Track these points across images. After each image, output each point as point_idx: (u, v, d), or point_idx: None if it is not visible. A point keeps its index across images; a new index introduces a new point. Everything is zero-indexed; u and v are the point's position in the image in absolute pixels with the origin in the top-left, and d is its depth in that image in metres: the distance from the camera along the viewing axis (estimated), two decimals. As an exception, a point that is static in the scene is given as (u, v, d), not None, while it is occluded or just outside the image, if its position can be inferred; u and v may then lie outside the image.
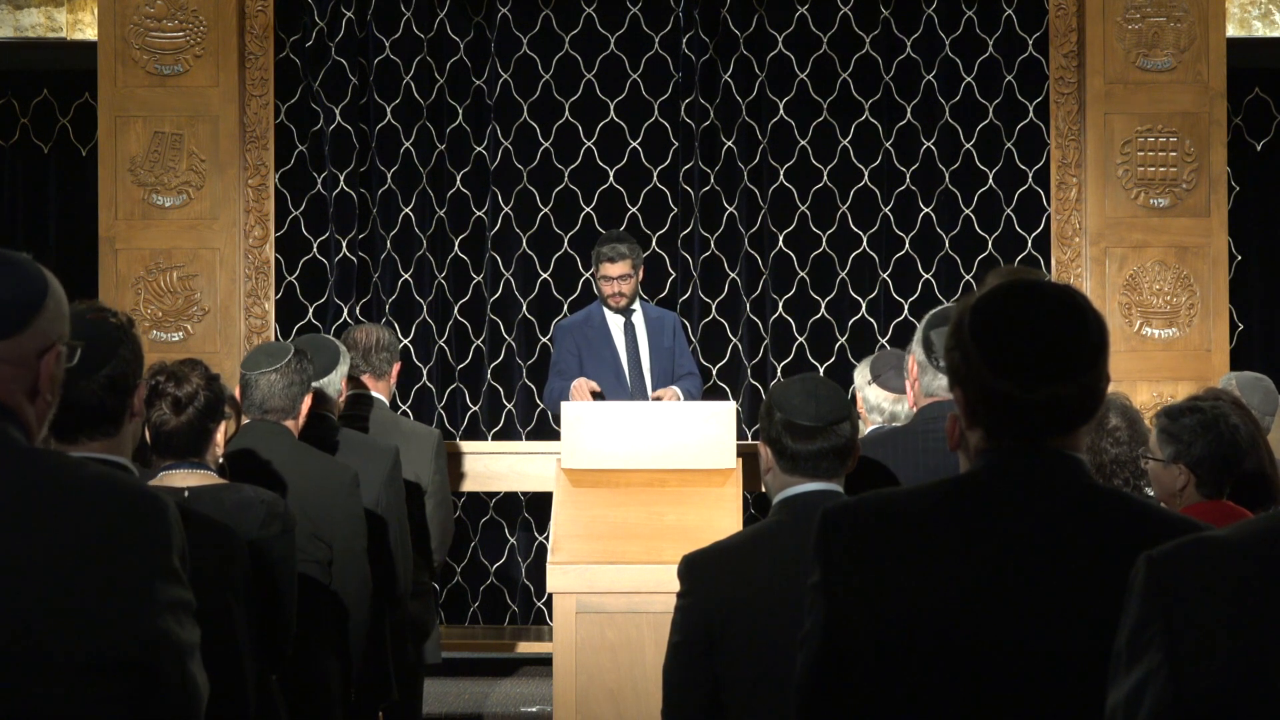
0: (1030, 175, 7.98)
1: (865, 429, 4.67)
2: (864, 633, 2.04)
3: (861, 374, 4.86)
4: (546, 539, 7.34)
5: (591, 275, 7.07)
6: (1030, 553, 2.01)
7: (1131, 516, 2.05)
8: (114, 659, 2.01)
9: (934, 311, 3.85)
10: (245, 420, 4.35)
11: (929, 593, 2.01)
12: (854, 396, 4.93)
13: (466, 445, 6.98)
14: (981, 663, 1.99)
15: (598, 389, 6.64)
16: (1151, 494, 3.68)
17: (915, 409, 3.96)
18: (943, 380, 3.70)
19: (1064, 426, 2.05)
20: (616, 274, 6.82)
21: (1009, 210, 8.02)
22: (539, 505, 7.68)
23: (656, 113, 8.08)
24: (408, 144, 8.05)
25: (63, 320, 2.15)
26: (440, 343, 8.12)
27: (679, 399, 6.71)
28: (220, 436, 3.65)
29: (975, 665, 1.99)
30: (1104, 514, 2.04)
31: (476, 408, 8.11)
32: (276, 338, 7.70)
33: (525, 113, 8.07)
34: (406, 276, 8.07)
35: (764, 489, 3.30)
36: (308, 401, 4.37)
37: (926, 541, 2.04)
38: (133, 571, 2.03)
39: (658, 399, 6.69)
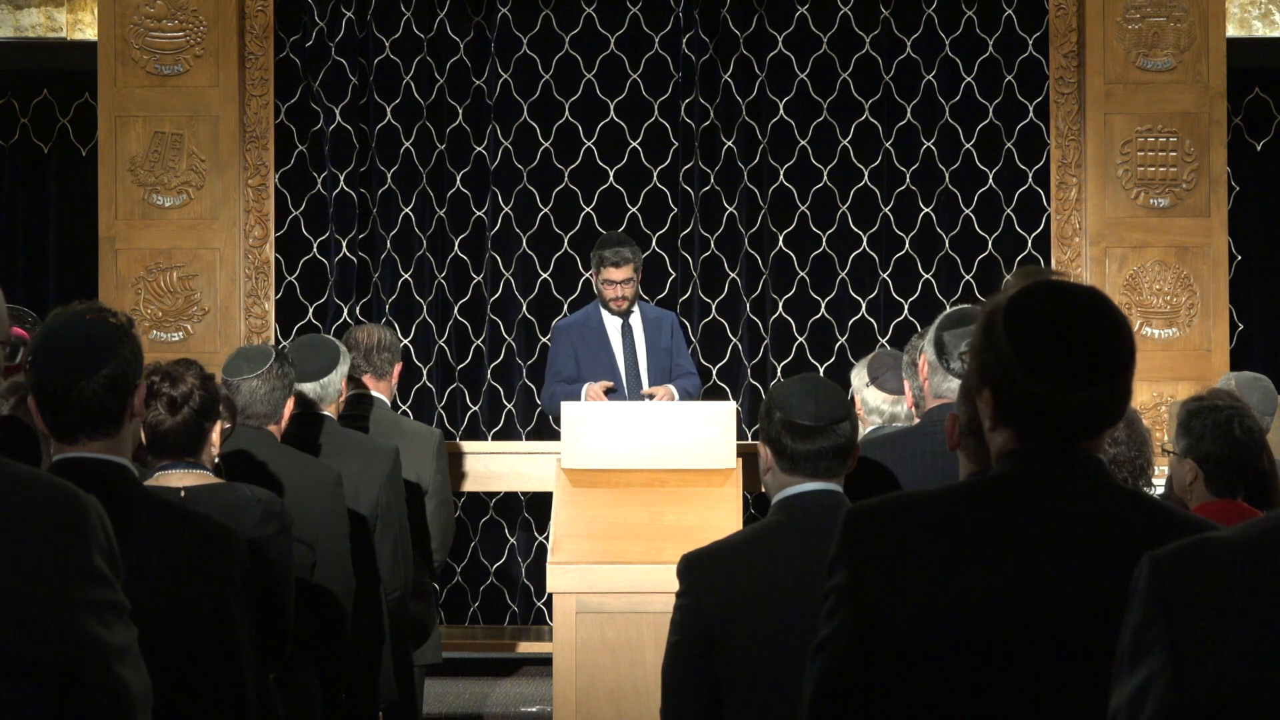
0: (1030, 175, 7.98)
1: (864, 430, 4.65)
2: (895, 634, 2.02)
3: (859, 376, 4.83)
4: (546, 539, 7.34)
5: (591, 276, 7.04)
6: (1062, 553, 2.01)
7: (1158, 518, 2.06)
8: (31, 661, 1.97)
9: (947, 313, 3.83)
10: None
11: (962, 594, 2.01)
12: (852, 398, 4.90)
13: (466, 445, 6.98)
14: (1015, 663, 1.99)
15: (610, 386, 6.67)
16: (1149, 492, 3.70)
17: (917, 409, 3.94)
18: (953, 383, 3.69)
19: (1094, 429, 2.05)
20: (620, 278, 6.79)
21: (1009, 210, 8.02)
22: (539, 505, 7.67)
23: (656, 113, 8.08)
24: (408, 144, 8.05)
25: None
26: (440, 343, 8.12)
27: (674, 398, 6.69)
28: (216, 436, 3.64)
29: (1008, 666, 1.99)
30: (1132, 515, 2.04)
31: (476, 408, 8.11)
32: (276, 338, 7.70)
33: (525, 113, 8.07)
34: (406, 276, 8.07)
35: (763, 489, 3.30)
36: (289, 406, 4.36)
37: (958, 542, 2.04)
38: (49, 572, 1.98)
39: (650, 396, 6.68)
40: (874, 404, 4.73)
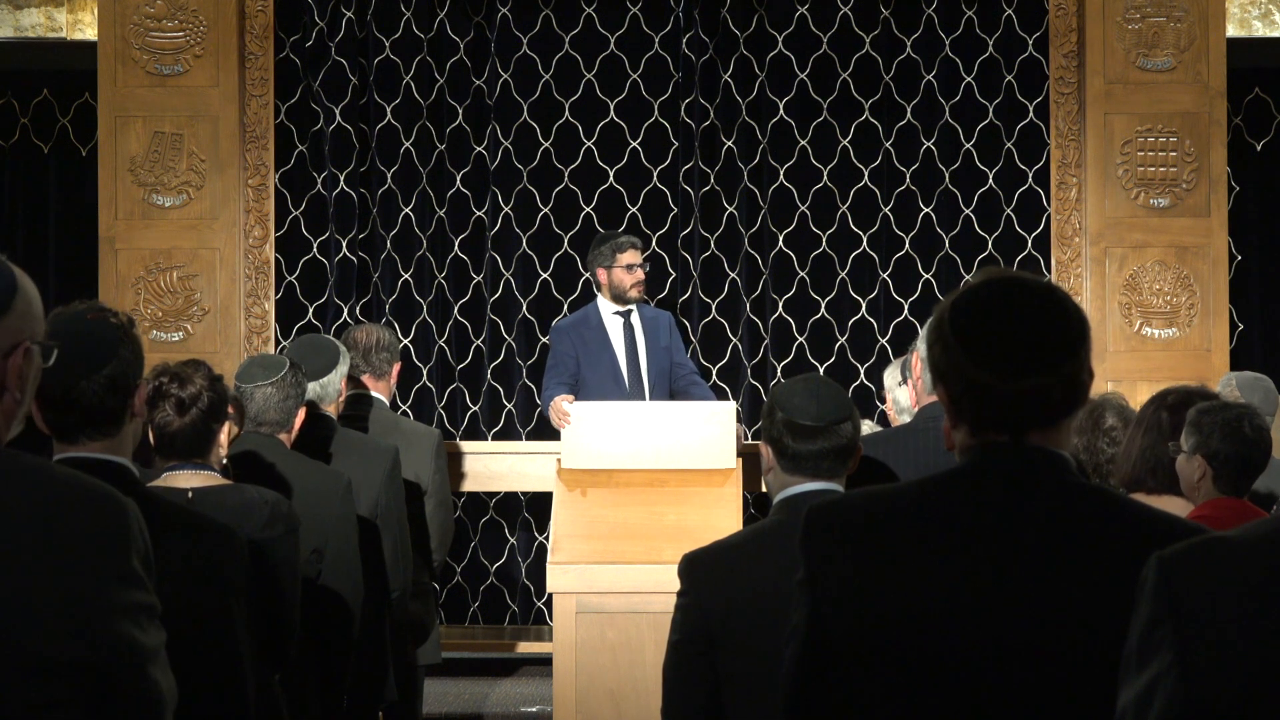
0: (1030, 175, 7.98)
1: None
2: (846, 629, 2.05)
3: (892, 375, 4.82)
4: (546, 539, 7.33)
5: (606, 270, 6.84)
6: (1013, 550, 2.02)
7: (1115, 514, 2.05)
8: (67, 662, 1.97)
9: None
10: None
11: (911, 590, 2.02)
12: (883, 398, 4.90)
13: (466, 445, 6.98)
14: (962, 660, 2.00)
15: (570, 399, 6.38)
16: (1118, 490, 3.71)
17: (917, 406, 3.95)
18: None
19: (1045, 419, 2.05)
20: (640, 260, 6.84)
21: (1009, 210, 8.02)
22: (539, 505, 7.67)
23: (656, 113, 8.08)
24: (408, 144, 8.05)
25: (34, 319, 2.12)
26: (440, 343, 8.12)
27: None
28: (224, 437, 3.64)
29: (956, 662, 2.00)
30: (1087, 511, 2.04)
31: (476, 408, 8.11)
32: (276, 338, 7.71)
33: (525, 113, 8.07)
34: (406, 276, 8.07)
35: (765, 488, 3.30)
36: (301, 415, 4.35)
37: (909, 539, 2.05)
38: (88, 574, 1.99)
39: None
40: (905, 403, 4.73)
